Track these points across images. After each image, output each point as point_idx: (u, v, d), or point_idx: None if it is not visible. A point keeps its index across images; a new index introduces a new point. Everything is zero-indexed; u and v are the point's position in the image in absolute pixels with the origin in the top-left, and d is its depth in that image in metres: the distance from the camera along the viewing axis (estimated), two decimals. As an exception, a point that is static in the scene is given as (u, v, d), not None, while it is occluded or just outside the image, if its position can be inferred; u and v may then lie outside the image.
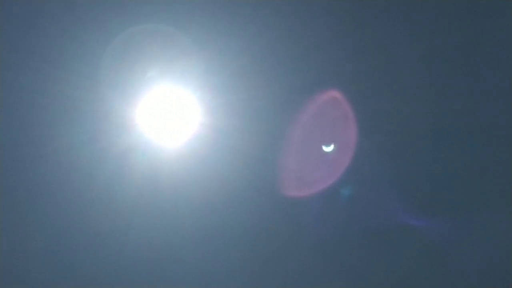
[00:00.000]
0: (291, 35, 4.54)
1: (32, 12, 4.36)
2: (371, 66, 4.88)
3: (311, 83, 4.71)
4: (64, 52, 4.32)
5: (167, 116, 4.55)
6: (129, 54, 4.29)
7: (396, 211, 5.19)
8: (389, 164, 5.09)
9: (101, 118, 4.40)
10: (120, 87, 4.34)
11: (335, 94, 5.01)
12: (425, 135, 5.01)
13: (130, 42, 4.27)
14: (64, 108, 4.39)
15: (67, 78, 4.32)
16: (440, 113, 4.97)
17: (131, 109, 4.44)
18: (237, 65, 4.37)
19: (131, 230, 4.62)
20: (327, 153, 5.18)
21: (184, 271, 4.75)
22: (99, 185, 4.52)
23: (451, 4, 4.79)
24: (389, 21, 4.79)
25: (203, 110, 4.56)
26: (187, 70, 4.34)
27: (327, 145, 5.19)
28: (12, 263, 4.60)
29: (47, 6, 4.39)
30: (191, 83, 4.46)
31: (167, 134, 4.60)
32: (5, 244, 4.59)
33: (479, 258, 5.03)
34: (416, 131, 5.01)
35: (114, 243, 4.63)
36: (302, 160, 5.15)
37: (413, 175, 5.08)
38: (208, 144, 4.55)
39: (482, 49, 4.87)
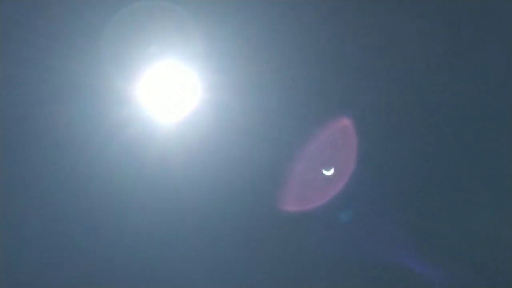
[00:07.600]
0: (295, 16, 4.55)
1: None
2: (378, 90, 4.87)
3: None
4: (65, 28, 4.41)
5: (167, 91, 4.56)
6: (129, 30, 4.36)
7: (393, 246, 5.03)
8: (388, 193, 4.97)
9: (101, 93, 4.44)
10: (120, 62, 4.40)
11: (344, 121, 5.00)
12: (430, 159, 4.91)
13: (131, 18, 4.35)
14: (65, 83, 4.45)
15: (68, 53, 4.39)
16: (446, 142, 4.88)
17: (131, 84, 4.47)
18: (237, 42, 4.39)
19: (129, 209, 4.57)
20: (327, 176, 5.10)
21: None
22: (98, 162, 4.50)
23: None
24: (391, 35, 4.81)
25: (202, 86, 4.55)
26: (188, 46, 4.38)
27: (327, 169, 5.11)
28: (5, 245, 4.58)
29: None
30: (191, 59, 4.48)
31: (167, 110, 4.59)
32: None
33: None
34: (420, 157, 4.92)
35: (112, 223, 4.58)
36: (301, 182, 5.09)
37: (415, 209, 4.96)
38: (208, 120, 4.52)
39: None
